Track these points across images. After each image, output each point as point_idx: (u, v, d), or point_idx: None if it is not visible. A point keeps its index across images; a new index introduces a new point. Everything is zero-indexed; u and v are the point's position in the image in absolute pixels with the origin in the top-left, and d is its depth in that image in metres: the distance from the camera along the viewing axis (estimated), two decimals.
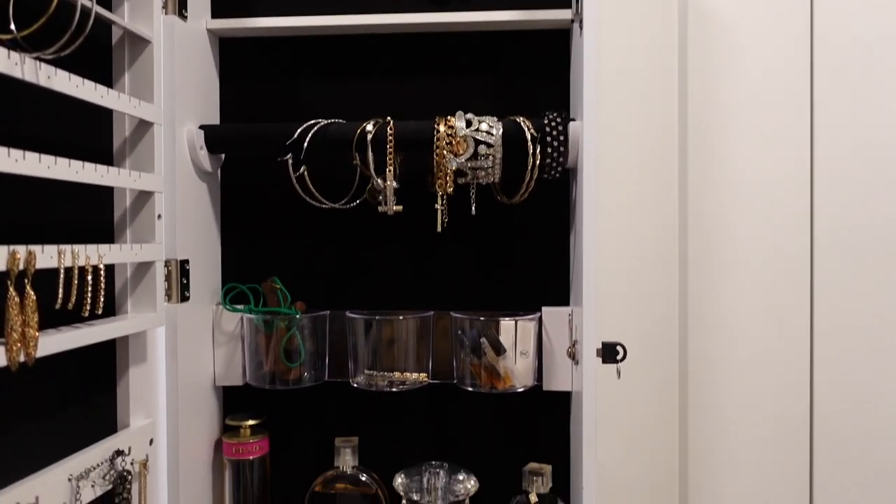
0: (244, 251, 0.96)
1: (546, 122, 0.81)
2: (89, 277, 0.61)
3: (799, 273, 0.98)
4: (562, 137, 0.80)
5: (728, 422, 0.98)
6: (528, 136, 0.81)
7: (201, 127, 0.86)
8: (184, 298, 0.83)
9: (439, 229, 0.84)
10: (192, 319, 0.86)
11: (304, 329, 0.90)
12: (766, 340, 0.98)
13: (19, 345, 0.53)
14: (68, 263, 0.59)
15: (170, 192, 0.80)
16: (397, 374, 0.88)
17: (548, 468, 0.88)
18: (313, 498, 0.90)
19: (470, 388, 0.87)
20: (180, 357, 0.83)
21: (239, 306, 0.91)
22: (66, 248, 0.59)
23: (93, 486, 0.66)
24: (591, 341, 0.78)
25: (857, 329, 0.97)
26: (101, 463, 0.67)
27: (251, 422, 0.91)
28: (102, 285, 0.63)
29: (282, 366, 0.89)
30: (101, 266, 0.63)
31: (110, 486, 0.69)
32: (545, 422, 0.93)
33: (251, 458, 0.90)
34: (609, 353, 0.80)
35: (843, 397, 0.97)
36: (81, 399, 0.71)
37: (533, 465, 0.88)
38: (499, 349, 0.86)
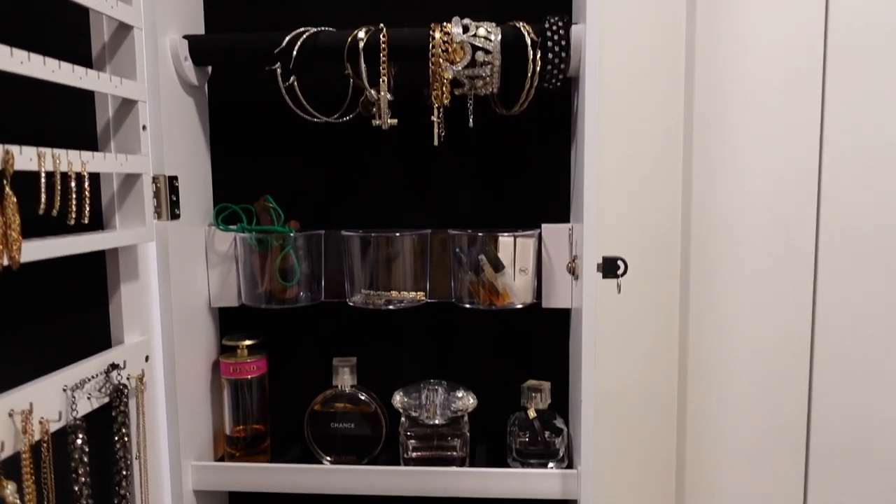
0: (235, 170, 0.93)
1: (546, 26, 0.77)
2: (73, 184, 0.59)
3: (806, 184, 0.95)
4: (563, 42, 0.76)
5: (729, 338, 0.98)
6: (528, 41, 0.77)
7: (185, 37, 0.82)
8: (174, 216, 0.80)
9: (436, 143, 0.81)
10: (183, 239, 0.84)
11: (299, 248, 0.88)
12: (771, 254, 0.96)
13: (1, 247, 0.51)
14: (49, 167, 0.57)
15: (154, 102, 0.76)
16: (394, 292, 0.87)
17: (546, 385, 0.88)
18: (312, 417, 0.90)
19: (468, 306, 0.86)
20: (173, 277, 0.81)
21: (232, 226, 0.89)
22: (47, 150, 0.56)
23: (89, 398, 0.66)
24: (592, 256, 0.77)
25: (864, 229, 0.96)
26: (97, 375, 0.67)
27: (248, 342, 0.90)
28: (87, 194, 0.61)
29: (277, 285, 0.88)
30: (85, 174, 0.61)
31: (107, 400, 0.69)
32: (544, 339, 0.93)
33: (249, 377, 0.90)
34: (609, 267, 0.79)
35: (844, 314, 0.96)
36: (73, 314, 0.70)
37: (531, 382, 0.88)
38: (497, 266, 0.84)
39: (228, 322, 0.95)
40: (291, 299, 0.88)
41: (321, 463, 0.90)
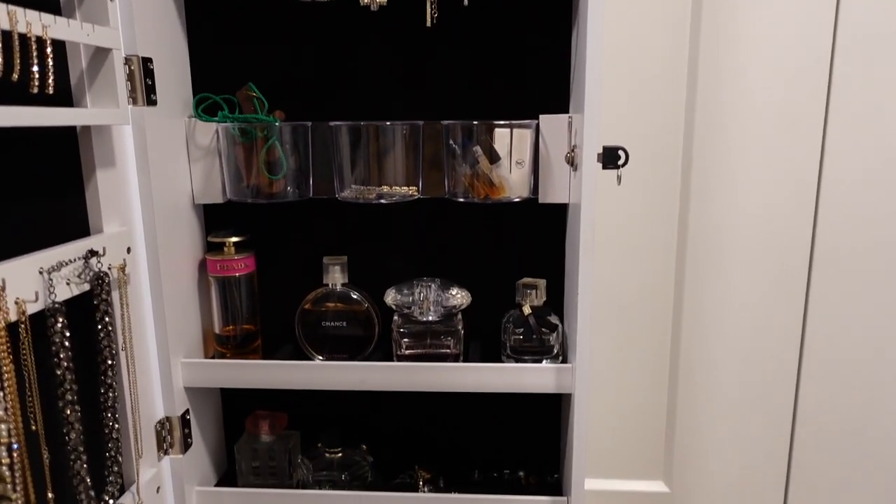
0: (215, 56, 0.88)
1: None
2: (33, 46, 0.54)
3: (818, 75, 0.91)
4: None
5: (728, 230, 0.96)
6: None
7: None
8: (150, 102, 0.76)
9: (429, 24, 0.76)
10: (162, 129, 0.79)
11: (285, 141, 0.84)
12: (776, 144, 0.93)
13: None
14: (6, 26, 0.52)
15: None
16: (385, 187, 0.84)
17: (542, 282, 0.86)
18: (303, 316, 0.89)
19: (462, 200, 0.83)
20: (153, 168, 0.77)
21: (213, 117, 0.84)
22: (2, 6, 0.51)
23: (68, 283, 0.63)
24: (592, 145, 0.73)
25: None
26: (75, 260, 0.64)
27: (235, 238, 0.87)
28: (51, 61, 0.56)
29: (263, 179, 0.84)
30: (47, 38, 0.56)
31: (88, 287, 0.66)
32: (540, 236, 0.90)
33: (237, 275, 0.88)
34: (610, 157, 0.76)
35: (846, 218, 0.94)
36: (47, 197, 0.66)
37: (527, 280, 0.86)
38: (493, 156, 0.81)
39: (214, 219, 0.92)
40: (279, 194, 0.85)
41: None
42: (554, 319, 0.85)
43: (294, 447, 0.94)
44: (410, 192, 0.84)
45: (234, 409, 0.99)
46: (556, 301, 0.90)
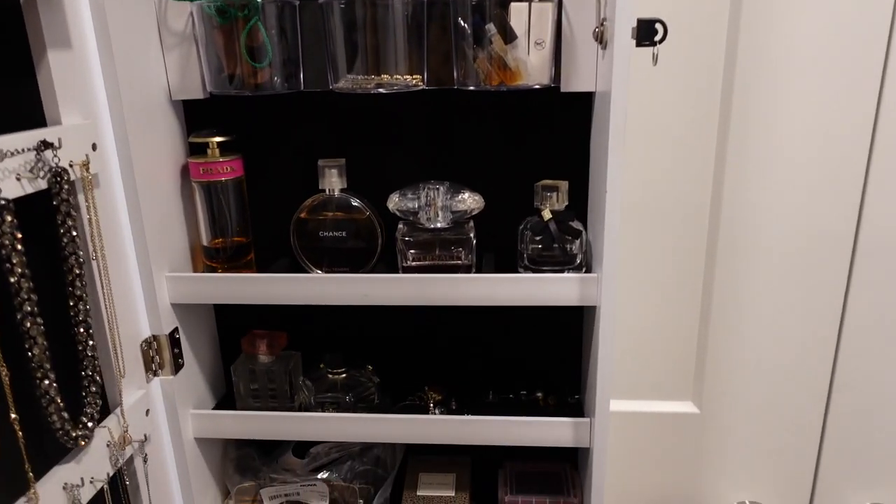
0: None
1: None
2: None
3: None
4: None
5: (773, 133, 0.85)
6: None
7: None
8: None
9: None
10: (126, 10, 0.69)
11: (270, 23, 0.73)
12: (829, 44, 0.81)
13: None
14: None
15: None
16: (386, 76, 0.73)
17: (563, 184, 0.76)
18: (299, 226, 0.80)
19: (472, 89, 0.73)
20: (119, 54, 0.67)
21: None
22: None
23: (18, 178, 0.54)
24: (625, 16, 0.62)
25: None
26: (24, 150, 0.55)
27: (219, 138, 0.78)
28: None
29: (247, 67, 0.74)
30: None
31: (45, 186, 0.58)
32: (562, 131, 0.80)
33: (223, 179, 0.79)
34: (645, 32, 0.65)
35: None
36: None
37: (546, 181, 0.77)
38: (508, 35, 0.70)
39: (196, 118, 0.82)
40: (265, 85, 0.75)
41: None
42: (577, 225, 0.76)
43: (295, 368, 0.87)
44: (414, 81, 0.74)
45: (231, 328, 0.92)
46: (580, 206, 0.80)
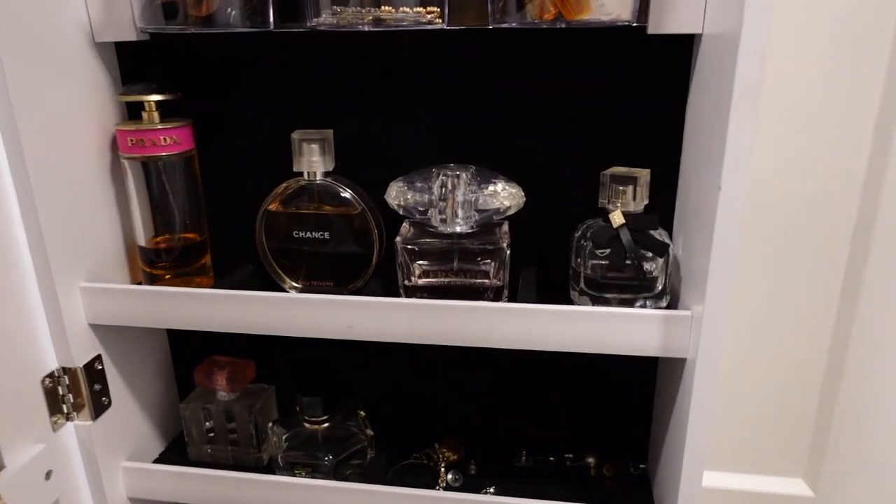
0: None
1: None
2: None
3: None
4: None
5: None
6: None
7: None
8: None
9: None
10: None
11: None
12: None
13: None
14: None
15: None
16: (387, 8, 0.50)
17: (643, 174, 0.52)
18: (269, 221, 0.58)
19: (514, 25, 0.49)
20: None
21: None
22: None
23: None
24: None
25: None
26: None
27: (156, 97, 0.56)
28: None
29: None
30: None
31: None
32: (644, 94, 0.55)
33: (162, 155, 0.57)
34: None
35: None
36: None
37: (619, 170, 0.53)
38: None
39: (132, 70, 0.60)
40: (217, 19, 0.52)
41: (283, 291, 0.59)
42: (660, 235, 0.52)
43: (264, 408, 0.66)
44: (426, 15, 0.50)
45: (190, 351, 0.70)
46: (664, 207, 0.56)
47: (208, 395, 0.66)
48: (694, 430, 0.50)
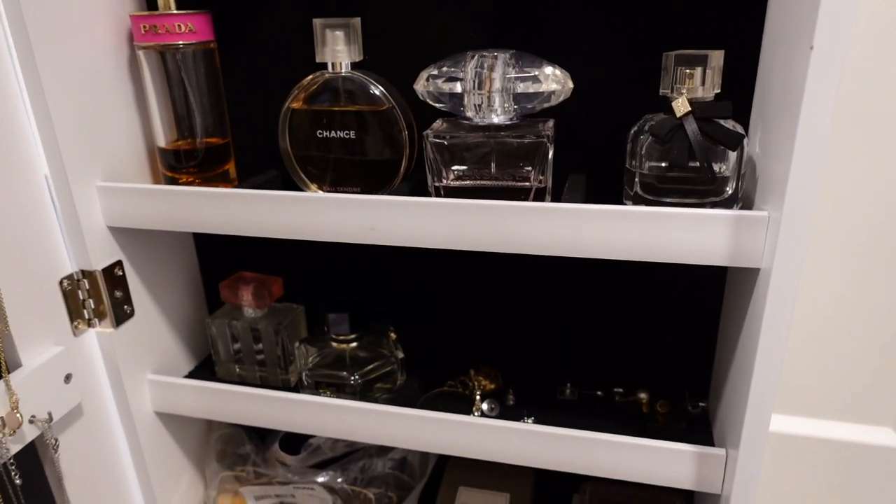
0: None
1: None
2: None
3: None
4: None
5: None
6: None
7: None
8: None
9: None
10: None
11: None
12: None
13: None
14: None
15: None
16: None
17: (716, 55, 0.44)
18: (292, 121, 0.53)
19: None
20: None
21: None
22: None
23: None
24: None
25: None
26: None
27: None
28: None
29: None
30: None
31: None
32: None
33: (179, 44, 0.53)
34: None
35: None
36: None
37: (685, 52, 0.45)
38: None
39: None
40: None
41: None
42: (733, 127, 0.44)
43: (291, 327, 0.62)
44: None
45: (219, 267, 0.68)
46: (739, 95, 0.48)
47: (235, 312, 0.63)
48: (764, 357, 0.42)
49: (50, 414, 0.50)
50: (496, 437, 0.53)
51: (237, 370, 0.64)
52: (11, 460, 0.48)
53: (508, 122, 0.47)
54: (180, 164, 0.57)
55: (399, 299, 0.65)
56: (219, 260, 0.68)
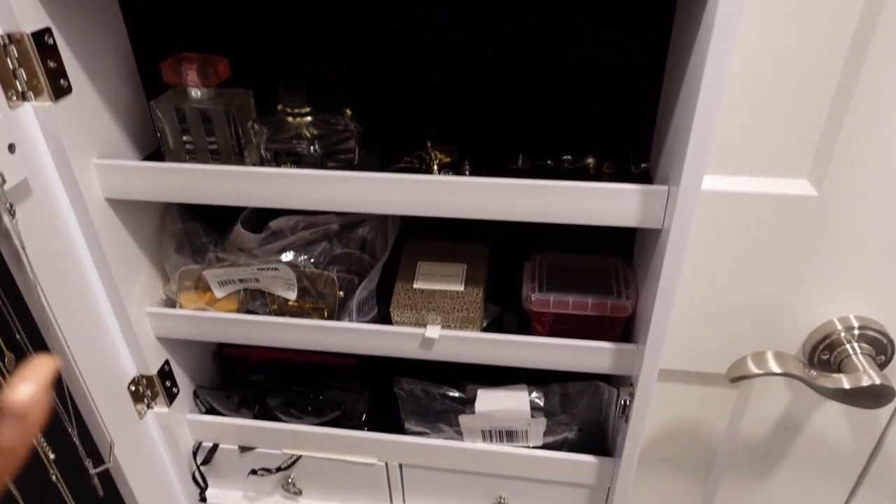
0: None
1: None
2: None
3: None
4: None
5: None
6: None
7: None
8: None
9: None
10: None
11: None
12: None
13: None
14: None
15: None
16: None
17: None
18: None
19: None
20: None
21: None
22: None
23: None
24: None
25: None
26: None
27: None
28: None
29: None
30: None
31: None
32: None
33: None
34: None
35: None
36: None
37: None
38: None
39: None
40: None
41: None
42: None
43: (242, 109, 0.61)
44: None
45: (153, 54, 0.64)
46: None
47: (180, 97, 0.61)
48: (705, 101, 0.45)
49: (2, 175, 0.49)
50: (454, 192, 0.55)
51: (188, 161, 0.63)
52: None
53: None
54: None
55: (353, 82, 0.64)
56: (154, 42, 0.64)
